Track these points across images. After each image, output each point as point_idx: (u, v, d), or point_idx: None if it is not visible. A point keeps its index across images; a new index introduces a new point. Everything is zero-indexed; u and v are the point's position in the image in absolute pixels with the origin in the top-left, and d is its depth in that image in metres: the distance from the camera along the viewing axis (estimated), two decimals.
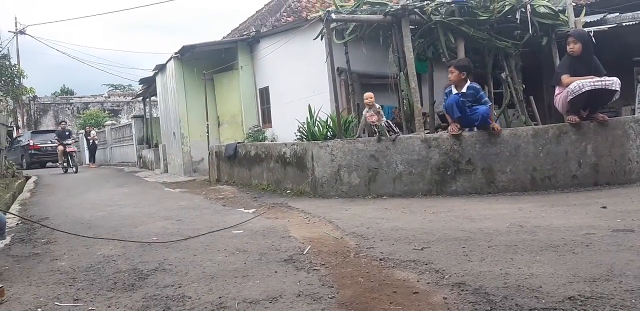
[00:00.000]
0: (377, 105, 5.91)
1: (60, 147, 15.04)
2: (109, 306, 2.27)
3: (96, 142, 20.38)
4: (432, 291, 2.25)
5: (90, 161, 19.81)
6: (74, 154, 15.14)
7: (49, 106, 30.04)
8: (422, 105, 6.15)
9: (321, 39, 7.22)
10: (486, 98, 5.35)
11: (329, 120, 6.56)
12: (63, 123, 16.98)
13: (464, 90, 5.31)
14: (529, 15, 6.36)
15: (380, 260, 2.81)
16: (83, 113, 28.17)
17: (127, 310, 2.21)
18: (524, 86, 7.41)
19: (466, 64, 5.37)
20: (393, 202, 4.89)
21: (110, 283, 2.65)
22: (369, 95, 5.90)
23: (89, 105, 30.00)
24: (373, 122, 5.73)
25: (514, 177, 5.12)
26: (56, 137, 15.51)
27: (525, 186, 5.10)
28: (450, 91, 5.42)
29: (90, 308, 2.27)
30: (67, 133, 15.45)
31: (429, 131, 5.93)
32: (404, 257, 2.82)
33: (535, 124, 6.75)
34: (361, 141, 5.63)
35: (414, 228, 3.58)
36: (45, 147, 21.48)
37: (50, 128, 25.81)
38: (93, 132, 20.57)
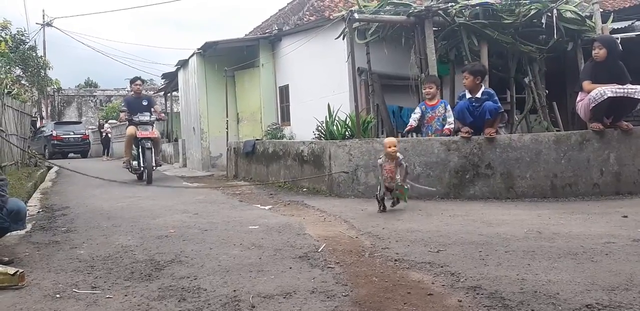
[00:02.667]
0: (401, 156, 4.31)
1: (131, 129, 8.34)
2: (125, 295, 2.31)
3: (109, 135, 20.65)
4: (447, 293, 2.23)
5: (103, 154, 20.11)
6: (156, 143, 8.49)
7: (73, 98, 30.61)
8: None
9: (343, 39, 7.22)
10: (499, 104, 5.32)
11: (348, 119, 6.56)
12: (138, 82, 8.88)
13: (478, 95, 5.28)
14: (554, 19, 6.27)
15: (395, 260, 2.80)
16: (105, 106, 28.64)
17: (143, 299, 2.24)
18: (547, 91, 7.31)
19: (481, 69, 5.34)
20: (410, 204, 4.87)
21: (128, 272, 2.69)
22: (391, 143, 4.25)
23: (112, 98, 30.47)
24: (391, 178, 4.23)
25: (533, 183, 5.06)
26: (124, 107, 8.71)
27: (545, 192, 5.03)
28: (464, 95, 5.41)
29: (107, 296, 2.31)
30: (144, 101, 8.62)
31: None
32: (420, 259, 2.81)
33: (557, 130, 6.65)
34: (379, 141, 5.62)
35: (430, 230, 3.56)
36: (68, 138, 21.90)
37: (73, 119, 26.29)
38: (107, 125, 20.88)
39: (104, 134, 20.42)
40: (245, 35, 15.32)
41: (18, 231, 3.56)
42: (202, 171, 10.58)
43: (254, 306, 2.12)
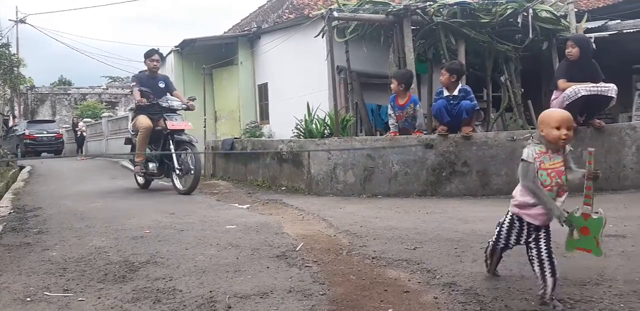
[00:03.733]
0: (569, 148, 2.16)
1: (144, 120, 6.18)
2: (98, 298, 2.26)
3: (84, 133, 20.29)
4: (423, 290, 2.25)
5: (78, 153, 19.76)
6: (185, 138, 6.17)
7: (47, 96, 29.92)
8: (420, 106, 6.15)
9: (322, 37, 7.21)
10: (475, 101, 5.38)
11: (327, 118, 6.56)
12: (155, 57, 6.43)
13: (455, 92, 5.34)
14: (530, 19, 6.37)
15: (373, 258, 2.81)
16: (80, 105, 28.07)
17: (117, 302, 2.20)
18: (522, 90, 7.43)
19: (457, 68, 5.40)
20: (388, 202, 4.89)
21: (101, 274, 2.64)
22: (563, 121, 2.01)
23: (87, 97, 29.90)
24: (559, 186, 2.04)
25: (509, 180, 5.13)
26: (136, 85, 6.34)
27: None
28: (442, 92, 5.46)
29: (79, 299, 2.26)
30: (161, 83, 6.50)
31: (426, 132, 5.93)
32: (396, 256, 2.82)
33: (532, 128, 6.76)
34: (358, 140, 5.63)
35: (407, 227, 3.59)
36: (41, 136, 21.43)
37: (47, 118, 25.70)
38: (81, 124, 20.51)
39: (79, 133, 20.03)
40: (224, 32, 15.19)
41: None
42: None
43: (230, 307, 2.10)
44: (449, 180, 5.21)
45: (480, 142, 5.20)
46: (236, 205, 5.06)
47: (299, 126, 6.79)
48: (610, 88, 4.86)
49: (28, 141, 20.92)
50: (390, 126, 5.85)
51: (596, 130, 5.20)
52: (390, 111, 5.85)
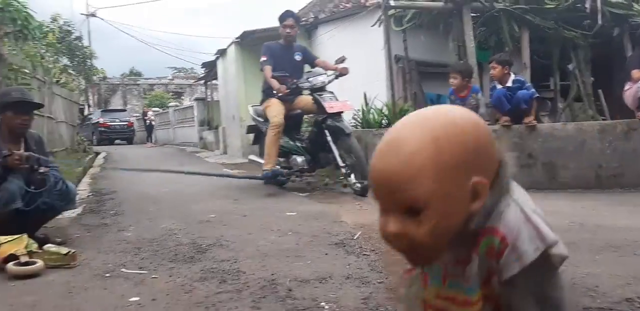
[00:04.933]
0: None
1: (277, 106, 4.95)
2: (170, 276, 2.43)
3: (153, 122, 21.29)
4: None
5: (147, 140, 20.79)
6: (343, 127, 4.64)
7: (118, 86, 31.57)
8: (482, 95, 5.99)
9: (379, 26, 7.15)
10: (532, 89, 5.16)
11: (385, 108, 6.53)
12: (289, 22, 5.37)
13: (509, 84, 5.15)
14: (599, 3, 6.02)
15: None
16: (149, 95, 29.43)
17: (186, 280, 2.36)
18: (593, 79, 7.04)
19: (508, 58, 5.21)
20: None
21: (172, 254, 2.82)
22: None
23: (154, 87, 31.28)
24: None
25: (577, 174, 4.92)
26: (267, 61, 5.01)
27: (589, 183, 4.89)
28: (494, 87, 5.29)
29: (153, 276, 2.44)
30: (297, 55, 5.36)
31: (489, 123, 5.78)
32: None
33: (603, 119, 6.42)
34: None
35: None
36: (114, 125, 22.75)
37: (119, 107, 27.14)
38: (150, 113, 21.53)
39: (148, 122, 21.07)
40: None
41: (69, 213, 3.78)
42: (241, 158, 10.77)
43: (290, 290, 2.19)
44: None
45: (546, 133, 5.01)
46: (296, 193, 5.18)
47: (355, 116, 6.81)
48: None
49: (102, 129, 22.28)
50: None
51: None
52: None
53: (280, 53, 5.18)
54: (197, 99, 18.34)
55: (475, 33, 6.30)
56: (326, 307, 2.00)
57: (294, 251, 2.83)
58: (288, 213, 3.96)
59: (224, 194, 5.10)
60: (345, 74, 5.10)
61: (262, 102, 5.26)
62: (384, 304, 2.02)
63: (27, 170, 2.98)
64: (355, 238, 3.10)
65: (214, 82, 16.40)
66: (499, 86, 5.21)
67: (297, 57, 5.27)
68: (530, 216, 0.84)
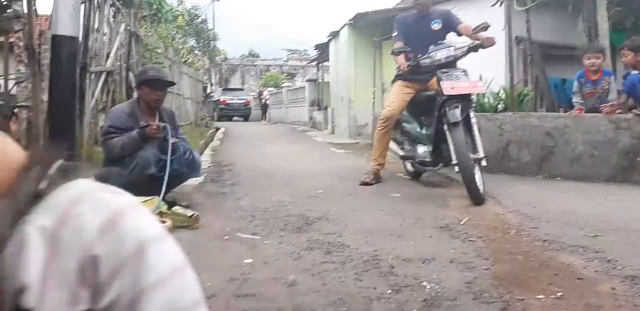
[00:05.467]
0: None
1: (393, 96, 4.39)
2: (280, 243, 2.60)
3: (267, 101, 22.24)
4: (600, 279, 2.10)
5: (262, 119, 21.85)
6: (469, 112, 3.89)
7: (237, 67, 33.37)
8: (615, 80, 5.42)
9: (500, 6, 6.72)
10: None
11: (502, 91, 6.18)
12: None
13: None
14: None
15: (544, 241, 2.67)
16: (264, 75, 30.78)
17: (295, 248, 2.51)
18: None
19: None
20: (567, 185, 4.51)
21: (282, 224, 3.01)
22: None
23: (270, 68, 32.59)
24: None
25: None
26: (397, 36, 4.36)
27: None
28: (629, 73, 4.70)
29: (264, 242, 2.63)
30: (435, 23, 4.40)
31: (620, 111, 5.23)
32: (572, 242, 2.63)
33: None
34: (535, 116, 5.23)
35: (587, 213, 3.29)
36: (233, 103, 24.23)
37: (237, 86, 28.76)
38: (265, 92, 22.51)
39: (263, 101, 22.12)
40: (397, 4, 15.05)
41: (193, 180, 4.15)
42: (348, 138, 10.92)
43: (393, 267, 2.23)
44: None
45: None
46: (401, 175, 5.17)
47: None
48: None
49: (222, 106, 23.80)
50: (575, 104, 5.26)
51: None
52: (575, 88, 5.23)
53: (415, 24, 4.39)
54: (308, 80, 18.82)
55: (610, 13, 5.67)
56: (428, 287, 2.02)
57: (398, 230, 2.86)
58: (392, 194, 3.98)
59: (330, 172, 5.25)
60: (490, 45, 3.96)
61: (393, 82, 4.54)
62: (488, 290, 1.98)
63: (160, 140, 3.33)
64: (461, 223, 3.04)
65: (325, 63, 16.67)
66: (634, 71, 4.68)
67: (435, 26, 4.36)
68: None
